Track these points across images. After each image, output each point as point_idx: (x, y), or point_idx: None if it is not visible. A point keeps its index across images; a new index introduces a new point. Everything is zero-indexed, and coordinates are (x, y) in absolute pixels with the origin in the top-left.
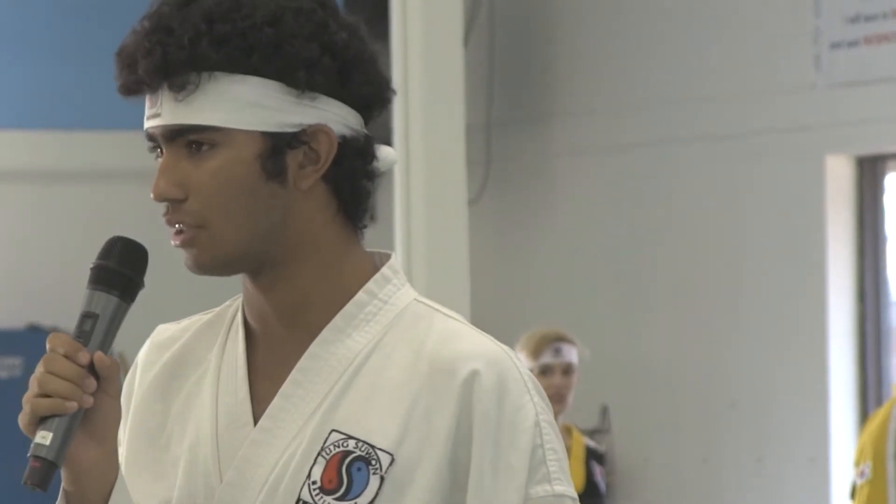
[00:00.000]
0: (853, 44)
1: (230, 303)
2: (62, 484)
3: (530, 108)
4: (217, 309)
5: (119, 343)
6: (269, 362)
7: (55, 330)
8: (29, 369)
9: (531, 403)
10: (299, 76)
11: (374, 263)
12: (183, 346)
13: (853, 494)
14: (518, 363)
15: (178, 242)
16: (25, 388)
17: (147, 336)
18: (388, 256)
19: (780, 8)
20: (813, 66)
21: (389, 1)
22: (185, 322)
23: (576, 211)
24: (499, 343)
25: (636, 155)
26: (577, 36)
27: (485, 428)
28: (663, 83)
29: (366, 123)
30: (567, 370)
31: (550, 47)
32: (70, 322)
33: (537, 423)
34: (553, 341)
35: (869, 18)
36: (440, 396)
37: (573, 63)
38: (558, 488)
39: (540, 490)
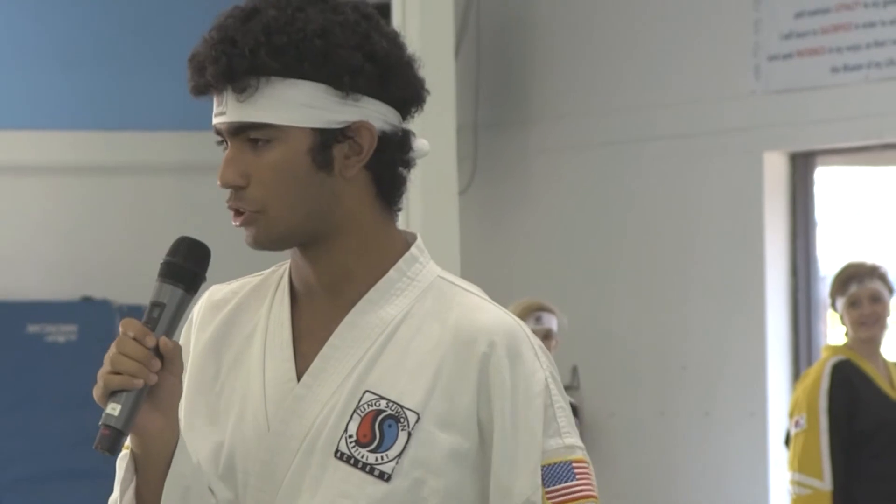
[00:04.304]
0: (787, 56)
1: (276, 268)
2: (130, 446)
3: (512, 112)
4: (265, 273)
5: None
6: (311, 325)
7: (106, 301)
8: (83, 335)
9: (541, 369)
10: (345, 80)
11: (406, 242)
12: (234, 308)
13: (787, 442)
14: (528, 333)
15: (238, 223)
16: (80, 351)
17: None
18: (414, 237)
19: (725, 26)
20: (753, 76)
21: (391, 18)
22: (235, 284)
23: (551, 200)
24: (512, 315)
25: (602, 153)
26: (551, 51)
27: (502, 393)
28: (625, 91)
29: (404, 119)
30: (546, 335)
31: (529, 60)
32: (117, 294)
33: (547, 386)
34: (535, 310)
35: (801, 35)
36: (462, 363)
37: (548, 74)
38: (568, 440)
39: (552, 443)
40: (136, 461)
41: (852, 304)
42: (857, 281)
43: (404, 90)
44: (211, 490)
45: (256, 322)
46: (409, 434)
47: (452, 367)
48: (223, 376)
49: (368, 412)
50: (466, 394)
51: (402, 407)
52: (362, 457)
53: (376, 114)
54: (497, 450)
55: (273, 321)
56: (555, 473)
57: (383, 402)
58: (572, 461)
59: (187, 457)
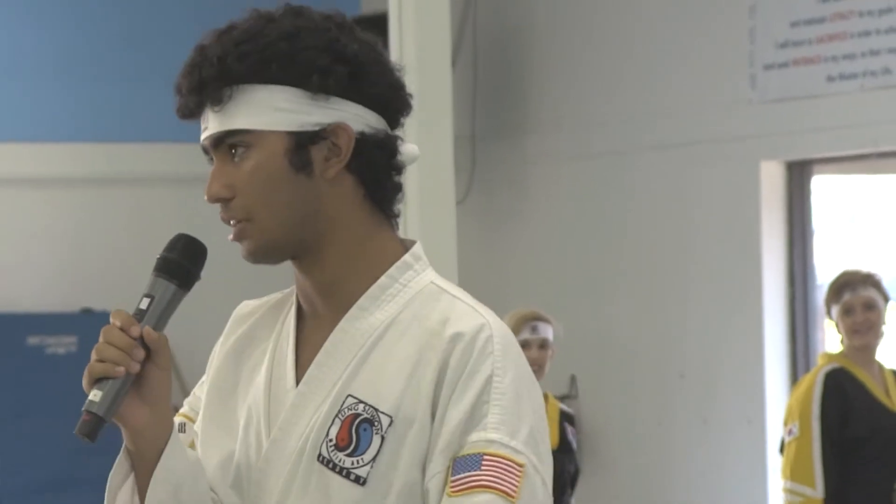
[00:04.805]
0: (783, 66)
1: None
2: (124, 443)
3: (509, 122)
4: (288, 290)
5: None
6: (312, 335)
7: (105, 313)
8: (83, 347)
9: (490, 363)
10: (313, 81)
11: (403, 248)
12: (256, 321)
13: (782, 450)
14: (498, 331)
15: (232, 237)
16: (80, 363)
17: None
18: (413, 244)
19: (721, 35)
20: (749, 85)
21: (388, 30)
22: (263, 299)
23: (548, 209)
24: (490, 315)
25: (599, 162)
26: (548, 61)
27: (449, 384)
28: (622, 101)
29: (393, 125)
30: (542, 345)
31: (526, 70)
32: (117, 305)
33: (489, 380)
34: (530, 320)
35: (796, 44)
36: (429, 360)
37: (545, 83)
38: (493, 435)
39: (473, 436)
40: (131, 458)
41: (846, 311)
42: (850, 289)
43: (379, 90)
44: (214, 492)
45: (270, 336)
46: (383, 438)
47: (422, 367)
48: (240, 387)
49: (348, 416)
50: (427, 389)
51: (377, 410)
52: (340, 461)
53: (353, 115)
54: (433, 439)
55: (282, 334)
56: (463, 464)
57: (361, 406)
58: (485, 453)
59: (181, 453)
